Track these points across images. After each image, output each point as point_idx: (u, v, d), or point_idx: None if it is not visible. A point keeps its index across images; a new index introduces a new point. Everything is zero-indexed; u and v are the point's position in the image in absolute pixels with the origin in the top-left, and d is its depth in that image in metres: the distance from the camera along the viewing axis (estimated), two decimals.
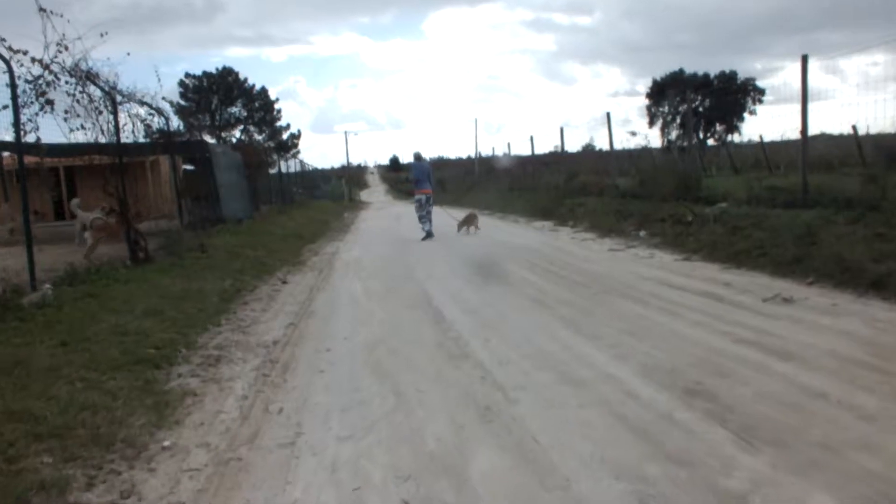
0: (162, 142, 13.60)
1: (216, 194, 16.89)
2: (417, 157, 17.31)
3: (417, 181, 16.68)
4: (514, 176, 30.08)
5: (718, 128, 58.46)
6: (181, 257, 11.21)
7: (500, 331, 6.53)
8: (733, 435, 3.83)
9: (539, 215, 19.84)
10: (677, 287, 8.32)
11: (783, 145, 28.15)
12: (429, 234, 15.64)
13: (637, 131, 54.13)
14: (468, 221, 16.62)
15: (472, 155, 49.49)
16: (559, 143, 27.19)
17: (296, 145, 61.47)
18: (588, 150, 27.81)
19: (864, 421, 3.94)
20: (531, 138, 26.67)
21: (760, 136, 26.70)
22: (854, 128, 19.34)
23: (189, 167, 19.31)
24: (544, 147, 27.98)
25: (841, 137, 25.34)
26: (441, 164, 55.97)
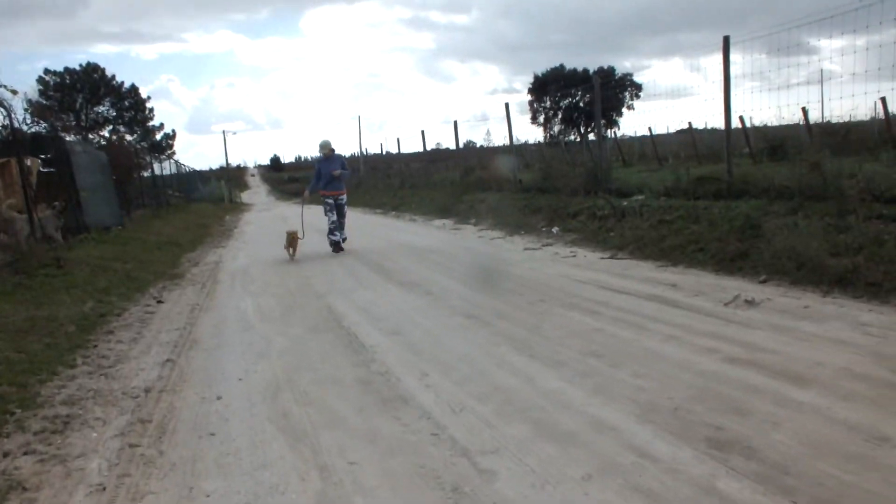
0: (3, 138, 11.42)
1: (77, 199, 14.70)
2: (325, 146, 12.63)
3: (324, 179, 12.56)
4: (405, 173, 28.84)
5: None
6: (30, 276, 9.26)
7: (437, 359, 5.26)
8: None
9: (437, 213, 18.68)
10: (620, 291, 7.32)
11: (660, 138, 28.55)
12: (336, 246, 12.40)
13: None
14: (290, 241, 12.18)
15: (357, 153, 47.81)
16: (439, 141, 26.30)
17: (170, 146, 57.91)
18: (469, 146, 26.94)
19: None
20: (422, 133, 25.52)
21: (650, 129, 26.72)
22: (741, 118, 19.21)
23: (47, 169, 16.81)
24: (426, 144, 26.85)
25: (706, 131, 25.84)
26: None
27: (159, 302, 8.55)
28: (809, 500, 2.86)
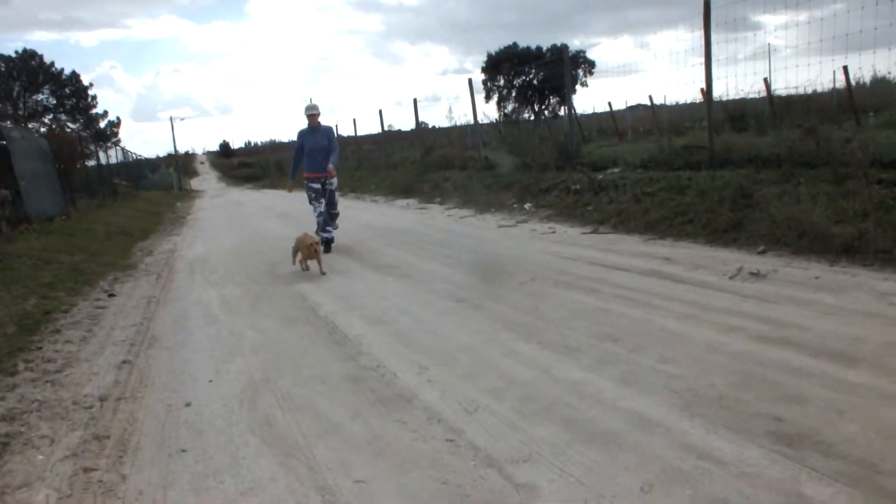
0: None
1: (16, 188, 13.69)
2: (311, 110, 9.60)
3: (308, 158, 9.69)
4: (362, 154, 28.08)
5: (552, 100, 59.16)
6: None
7: (434, 350, 4.72)
8: None
9: (399, 193, 18.08)
10: (613, 267, 6.87)
11: (609, 115, 28.39)
12: (328, 245, 9.64)
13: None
14: (309, 253, 7.91)
15: None
16: (391, 123, 25.63)
17: (115, 134, 55.86)
18: (422, 127, 26.17)
19: None
20: (380, 113, 24.80)
21: (609, 104, 26.40)
22: (702, 90, 18.89)
23: None
24: (376, 126, 26.29)
25: (662, 106, 25.72)
26: (276, 146, 52.53)
27: (111, 296, 7.82)
28: None
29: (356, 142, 30.66)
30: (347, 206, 16.68)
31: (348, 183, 22.19)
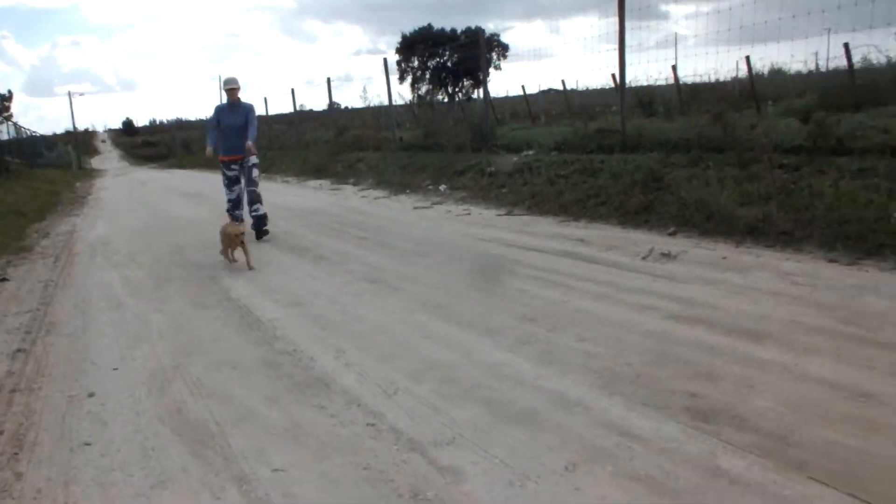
0: None
1: None
2: (230, 83, 8.47)
3: (224, 137, 8.59)
4: (273, 134, 27.43)
5: (466, 82, 59.20)
6: None
7: (351, 333, 4.62)
8: (846, 497, 2.35)
9: (311, 174, 17.75)
10: (529, 248, 6.92)
11: (522, 99, 28.73)
12: (259, 223, 8.77)
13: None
14: (234, 243, 7.04)
15: None
16: (303, 103, 25.16)
17: (7, 108, 52.64)
18: (335, 108, 25.81)
19: None
20: (292, 92, 24.32)
21: (523, 88, 26.67)
22: (613, 75, 19.28)
23: None
24: (287, 106, 25.83)
25: (574, 91, 26.17)
26: (183, 125, 50.71)
27: (3, 280, 7.35)
28: (827, 474, 2.49)
29: (268, 121, 29.95)
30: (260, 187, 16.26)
31: (259, 163, 21.63)
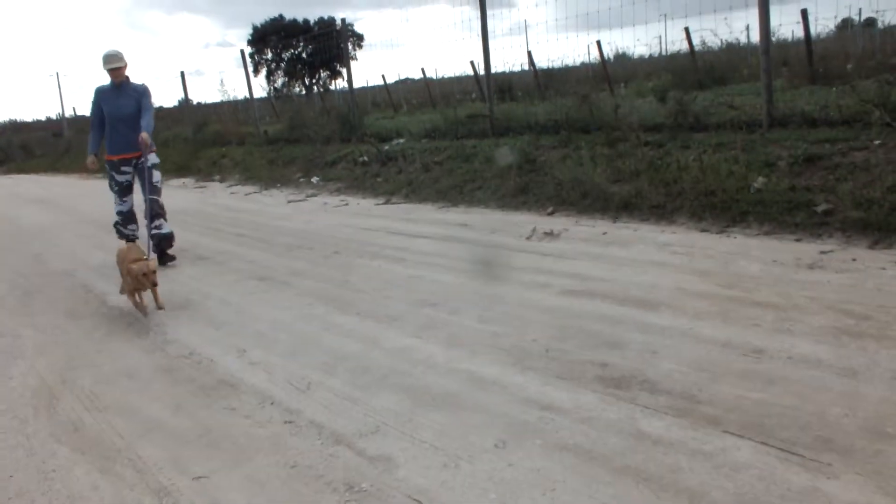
0: None
1: None
2: (111, 59, 6.54)
3: (111, 129, 6.71)
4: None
5: (323, 74, 58.43)
6: None
7: (249, 331, 4.46)
8: (759, 445, 2.51)
9: (173, 173, 16.86)
10: (414, 235, 6.93)
11: (381, 88, 28.78)
12: (160, 244, 6.75)
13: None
14: (140, 284, 4.99)
15: (59, 114, 42.04)
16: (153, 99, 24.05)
17: None
18: (185, 104, 24.76)
19: (845, 374, 2.93)
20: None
21: (383, 77, 26.60)
22: (472, 63, 19.61)
23: None
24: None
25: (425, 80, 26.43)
26: (19, 127, 46.98)
27: None
28: (739, 427, 2.65)
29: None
30: None
31: (160, 163, 20.43)
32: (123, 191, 6.87)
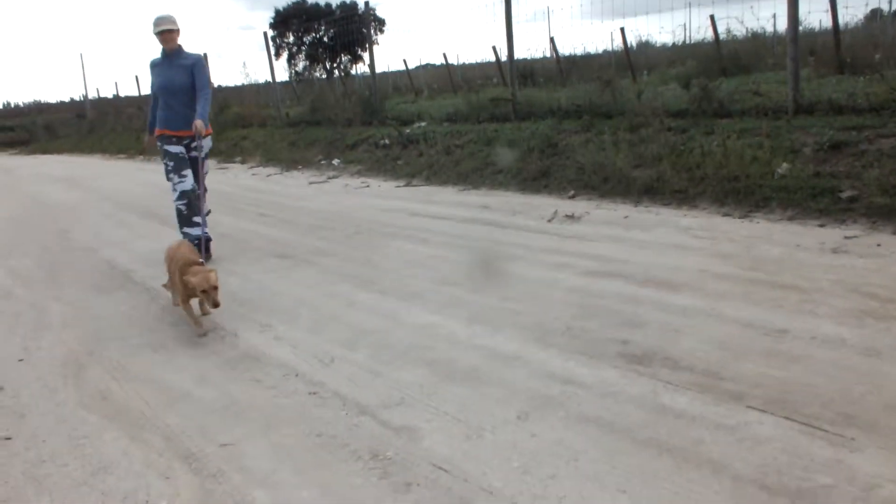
0: None
1: None
2: (163, 22, 5.74)
3: (162, 104, 5.90)
4: (145, 113, 26.11)
5: (344, 58, 58.39)
6: None
7: (273, 307, 4.53)
8: (782, 420, 2.52)
9: None
10: (435, 216, 6.97)
11: (403, 73, 28.74)
12: (200, 242, 5.39)
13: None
14: (193, 291, 3.99)
15: (83, 95, 42.29)
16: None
17: None
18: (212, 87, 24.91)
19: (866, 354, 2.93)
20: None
21: (405, 61, 26.61)
22: (494, 48, 19.54)
23: None
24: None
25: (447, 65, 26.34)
26: (43, 108, 47.50)
27: None
28: (762, 401, 2.67)
29: (139, 103, 28.51)
30: (139, 169, 15.54)
31: (136, 145, 20.59)
32: (180, 164, 5.81)
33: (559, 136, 8.56)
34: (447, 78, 24.68)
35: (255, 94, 21.58)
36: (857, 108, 6.77)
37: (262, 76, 21.16)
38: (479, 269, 4.92)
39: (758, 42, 15.12)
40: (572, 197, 7.23)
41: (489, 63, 22.37)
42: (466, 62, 26.29)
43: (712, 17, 14.63)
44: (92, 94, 37.78)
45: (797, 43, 7.13)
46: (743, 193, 6.00)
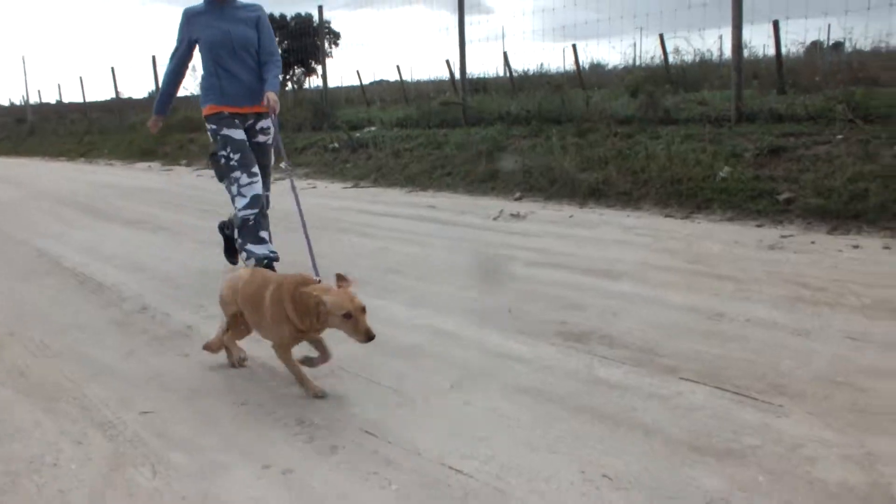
0: None
1: None
2: None
3: (214, 69, 4.28)
4: (91, 117, 25.56)
5: (297, 70, 58.05)
6: None
7: (211, 292, 4.36)
8: (714, 390, 2.53)
9: (138, 157, 16.74)
10: (382, 214, 6.93)
11: (356, 88, 28.67)
12: (264, 261, 4.29)
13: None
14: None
15: (24, 98, 41.00)
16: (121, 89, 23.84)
17: None
18: (153, 94, 24.39)
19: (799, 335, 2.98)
20: (112, 71, 22.66)
21: (358, 73, 26.37)
22: (447, 62, 19.56)
23: None
24: (117, 85, 24.08)
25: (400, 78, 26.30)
26: None
27: None
28: (695, 374, 2.68)
29: (84, 109, 27.90)
30: (78, 170, 15.19)
31: (76, 148, 20.12)
32: (247, 156, 4.27)
33: (508, 141, 8.60)
34: (400, 91, 24.66)
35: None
36: (795, 117, 6.95)
37: None
38: (423, 260, 4.87)
39: (704, 66, 15.49)
40: (519, 199, 7.25)
41: (443, 80, 22.42)
42: (421, 79, 26.27)
43: (661, 36, 14.92)
44: (34, 99, 36.73)
45: (741, 52, 7.31)
46: (685, 195, 6.09)
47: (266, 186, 4.48)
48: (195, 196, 9.16)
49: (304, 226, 3.63)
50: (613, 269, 4.32)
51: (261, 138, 4.45)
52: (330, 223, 6.55)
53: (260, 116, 4.38)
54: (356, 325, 2.50)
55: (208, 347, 3.09)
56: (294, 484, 2.09)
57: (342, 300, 2.55)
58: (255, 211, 4.32)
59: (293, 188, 3.75)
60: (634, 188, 6.58)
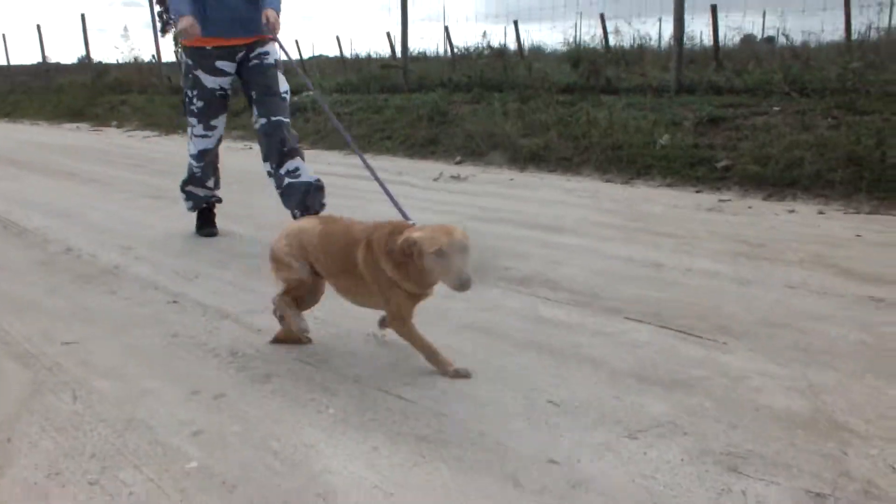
0: None
1: None
2: None
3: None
4: (16, 78, 24.40)
5: None
6: None
7: (137, 236, 4.21)
8: (658, 328, 2.51)
9: (66, 118, 16.03)
10: (321, 173, 6.70)
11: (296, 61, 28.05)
12: (203, 203, 4.39)
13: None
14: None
15: None
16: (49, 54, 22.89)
17: None
18: (83, 61, 23.36)
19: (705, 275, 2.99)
20: (38, 28, 21.61)
21: (297, 43, 25.85)
22: (388, 34, 19.29)
23: None
24: (29, 56, 23.06)
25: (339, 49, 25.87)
26: None
27: None
28: (639, 314, 2.66)
29: (8, 73, 26.54)
30: (1, 128, 14.42)
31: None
32: (212, 108, 4.05)
33: (449, 107, 8.49)
34: (340, 65, 24.25)
35: (138, 72, 20.44)
36: (734, 90, 7.04)
37: (148, 55, 20.07)
38: (362, 213, 4.74)
39: (644, 50, 15.68)
40: (459, 162, 7.18)
41: (384, 56, 22.13)
42: (361, 54, 25.87)
43: (602, 16, 14.98)
44: None
45: (683, 22, 7.35)
46: (626, 162, 6.11)
47: (274, 111, 4.03)
48: (128, 154, 8.81)
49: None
50: (555, 224, 4.29)
51: (256, 61, 3.91)
52: (260, 179, 6.33)
53: (253, 47, 3.87)
54: (447, 265, 2.01)
55: (280, 340, 2.45)
56: (226, 408, 1.97)
57: (437, 234, 2.07)
58: (202, 164, 4.16)
59: (333, 120, 3.38)
60: (575, 154, 6.57)
